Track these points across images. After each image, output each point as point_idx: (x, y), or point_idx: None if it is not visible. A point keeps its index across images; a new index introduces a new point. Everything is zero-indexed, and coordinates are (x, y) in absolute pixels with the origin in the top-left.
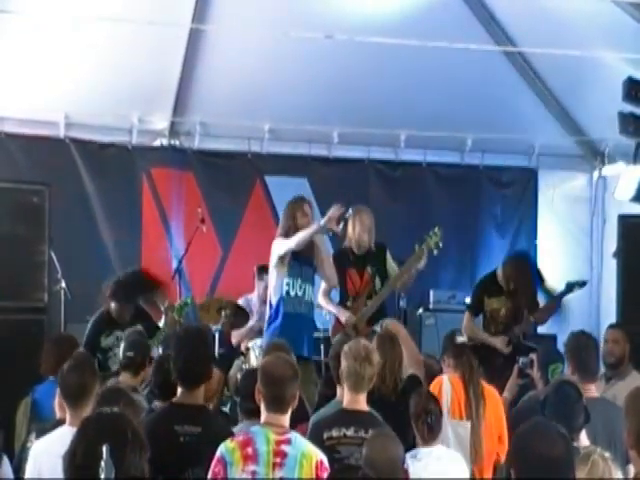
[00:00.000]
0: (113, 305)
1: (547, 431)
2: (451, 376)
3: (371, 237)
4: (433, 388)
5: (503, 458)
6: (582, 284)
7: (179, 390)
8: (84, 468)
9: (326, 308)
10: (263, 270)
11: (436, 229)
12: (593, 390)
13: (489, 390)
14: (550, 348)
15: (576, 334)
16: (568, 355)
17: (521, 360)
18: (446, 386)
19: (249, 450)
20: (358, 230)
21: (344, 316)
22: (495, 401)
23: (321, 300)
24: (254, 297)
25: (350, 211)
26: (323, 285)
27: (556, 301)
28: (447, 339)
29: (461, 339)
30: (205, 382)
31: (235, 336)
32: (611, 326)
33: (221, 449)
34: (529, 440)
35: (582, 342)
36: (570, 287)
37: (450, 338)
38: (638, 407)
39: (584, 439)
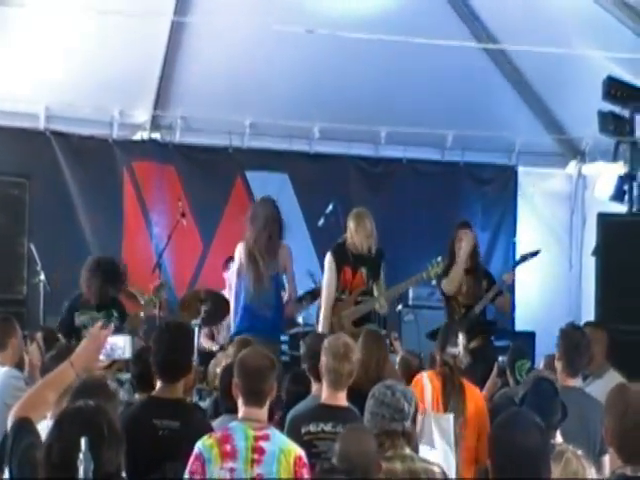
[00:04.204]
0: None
1: (523, 421)
2: (429, 373)
3: (373, 241)
4: (414, 386)
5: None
6: (534, 254)
7: (158, 384)
8: (60, 465)
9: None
10: (230, 260)
11: (439, 259)
12: (570, 382)
13: (469, 386)
14: (519, 345)
15: (572, 328)
16: (559, 342)
17: (500, 358)
18: (426, 383)
19: (227, 447)
20: (361, 236)
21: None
22: (476, 397)
23: (323, 305)
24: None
25: (330, 206)
26: (325, 289)
27: (512, 272)
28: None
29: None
30: (185, 376)
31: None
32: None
33: (199, 446)
34: (505, 429)
35: (575, 337)
36: (523, 258)
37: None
38: (617, 405)
39: (559, 437)
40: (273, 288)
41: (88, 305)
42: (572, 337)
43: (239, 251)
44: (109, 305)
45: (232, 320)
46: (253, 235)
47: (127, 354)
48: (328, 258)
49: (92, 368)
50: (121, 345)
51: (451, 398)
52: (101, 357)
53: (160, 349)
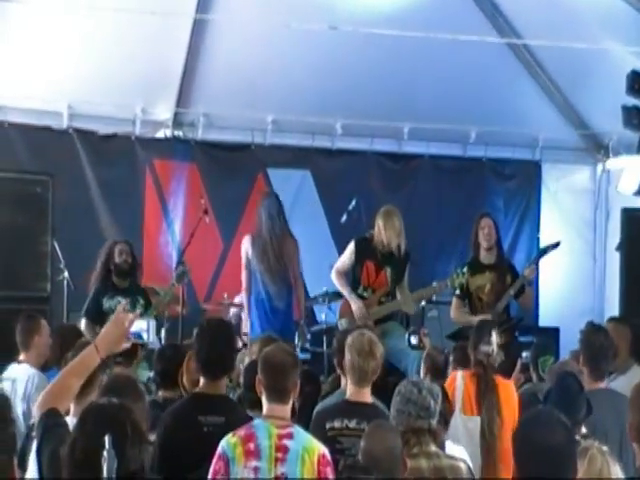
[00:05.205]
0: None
1: (548, 420)
2: (465, 372)
3: (401, 240)
4: (448, 384)
5: None
6: (555, 246)
7: (202, 380)
8: (84, 462)
9: (338, 287)
10: None
11: (465, 269)
12: (598, 385)
13: (505, 386)
14: (542, 341)
15: (593, 330)
16: (582, 347)
17: (524, 354)
18: (459, 382)
19: (251, 445)
20: (390, 234)
21: (355, 304)
22: (510, 397)
23: (335, 277)
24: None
25: (353, 203)
26: (338, 264)
27: (533, 267)
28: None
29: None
30: (228, 372)
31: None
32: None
33: (222, 445)
34: (529, 428)
35: (598, 341)
36: (544, 251)
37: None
38: None
39: (583, 430)
40: (284, 281)
41: (115, 289)
42: (595, 342)
43: (245, 245)
44: (136, 292)
45: (247, 315)
46: (263, 228)
47: (150, 338)
48: (350, 246)
49: (116, 350)
50: (144, 329)
51: (486, 399)
52: None
53: (202, 346)
